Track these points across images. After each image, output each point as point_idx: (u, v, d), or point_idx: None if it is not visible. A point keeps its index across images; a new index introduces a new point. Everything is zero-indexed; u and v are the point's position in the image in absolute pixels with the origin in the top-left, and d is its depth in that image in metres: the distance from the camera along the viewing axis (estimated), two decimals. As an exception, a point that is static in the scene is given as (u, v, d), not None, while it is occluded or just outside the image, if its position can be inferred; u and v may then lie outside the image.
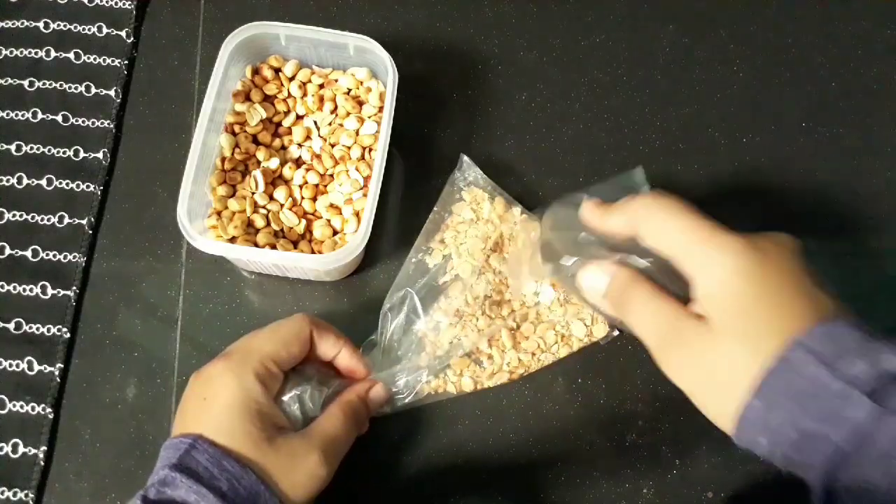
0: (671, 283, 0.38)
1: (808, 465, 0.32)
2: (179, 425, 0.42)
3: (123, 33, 0.58)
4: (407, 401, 0.49)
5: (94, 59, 0.57)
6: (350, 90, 0.55)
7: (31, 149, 0.55)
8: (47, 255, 0.53)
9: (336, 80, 0.55)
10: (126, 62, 0.58)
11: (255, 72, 0.54)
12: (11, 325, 0.52)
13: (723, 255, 0.35)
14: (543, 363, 0.51)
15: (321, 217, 0.53)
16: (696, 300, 0.36)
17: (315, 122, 0.54)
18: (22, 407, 0.50)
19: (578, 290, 0.42)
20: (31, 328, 0.52)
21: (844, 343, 0.32)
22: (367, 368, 0.48)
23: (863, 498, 0.30)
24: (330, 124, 0.54)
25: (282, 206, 0.52)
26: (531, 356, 0.51)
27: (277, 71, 0.55)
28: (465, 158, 0.54)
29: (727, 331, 0.34)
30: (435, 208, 0.54)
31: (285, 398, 0.44)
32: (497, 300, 0.51)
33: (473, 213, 0.53)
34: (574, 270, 0.42)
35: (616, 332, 0.51)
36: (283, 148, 0.54)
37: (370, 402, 0.47)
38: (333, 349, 0.46)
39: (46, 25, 0.58)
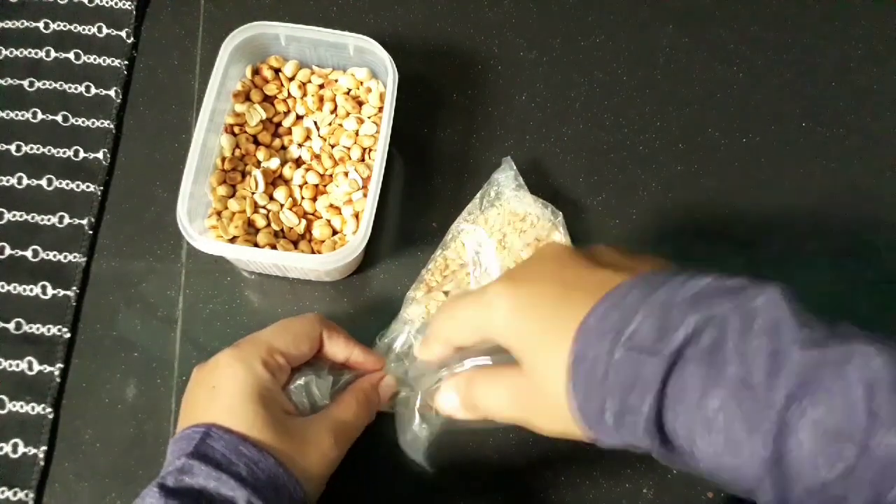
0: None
1: (636, 433, 0.32)
2: (188, 417, 0.42)
3: (123, 33, 0.58)
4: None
5: (94, 59, 0.57)
6: (350, 90, 0.55)
7: (31, 149, 0.55)
8: (47, 255, 0.53)
9: (336, 81, 0.55)
10: (126, 62, 0.58)
11: (255, 72, 0.55)
12: (11, 325, 0.52)
13: (492, 309, 0.36)
14: None
15: (321, 217, 0.53)
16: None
17: (315, 123, 0.54)
18: (22, 407, 0.50)
19: (450, 417, 0.42)
20: (31, 328, 0.52)
21: (624, 311, 0.32)
22: (381, 363, 0.48)
23: (684, 436, 0.31)
24: (330, 124, 0.54)
25: (282, 206, 0.52)
26: None
27: (277, 71, 0.55)
28: (508, 160, 0.53)
29: (533, 364, 0.35)
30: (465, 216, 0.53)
31: (292, 387, 0.44)
32: None
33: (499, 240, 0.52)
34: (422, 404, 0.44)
35: None
36: (283, 148, 0.54)
37: (381, 392, 0.47)
38: (343, 352, 0.46)
39: (46, 25, 0.58)
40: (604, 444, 0.34)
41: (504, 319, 0.36)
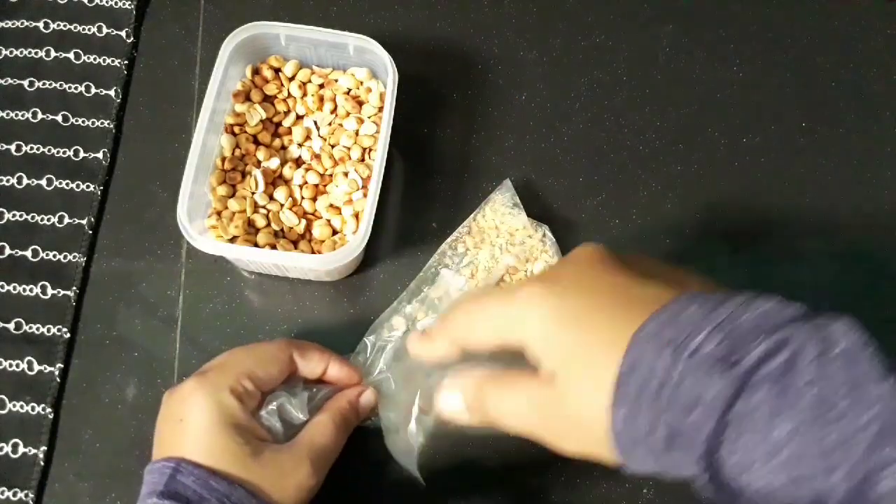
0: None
1: (686, 458, 0.30)
2: (159, 448, 0.41)
3: (123, 33, 0.58)
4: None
5: (94, 59, 0.57)
6: (350, 90, 0.55)
7: (31, 149, 0.55)
8: (47, 255, 0.53)
9: (336, 80, 0.55)
10: (126, 62, 0.58)
11: (255, 72, 0.54)
12: (11, 325, 0.52)
13: (526, 311, 0.34)
14: None
15: (321, 217, 0.53)
16: (536, 366, 0.34)
17: (315, 122, 0.54)
18: (22, 407, 0.50)
19: (451, 421, 0.39)
20: (31, 328, 0.52)
21: (682, 325, 0.30)
22: (358, 375, 0.47)
23: (734, 465, 0.28)
24: (330, 124, 0.54)
25: (282, 206, 0.52)
26: None
27: (277, 71, 0.55)
28: (508, 183, 0.53)
29: (568, 376, 0.32)
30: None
31: (263, 412, 0.43)
32: None
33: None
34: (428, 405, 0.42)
35: None
36: (283, 148, 0.54)
37: (360, 407, 0.46)
38: (319, 367, 0.45)
39: (46, 25, 0.58)
40: (629, 471, 0.32)
41: (540, 324, 0.33)
